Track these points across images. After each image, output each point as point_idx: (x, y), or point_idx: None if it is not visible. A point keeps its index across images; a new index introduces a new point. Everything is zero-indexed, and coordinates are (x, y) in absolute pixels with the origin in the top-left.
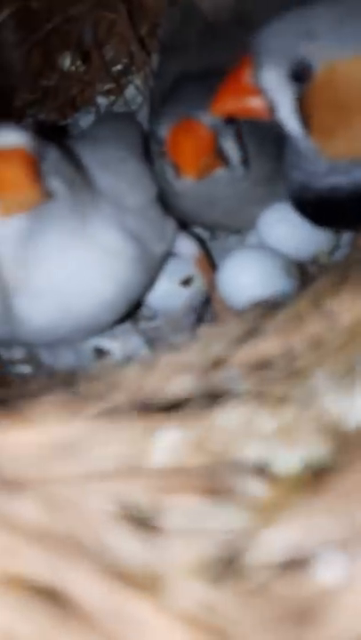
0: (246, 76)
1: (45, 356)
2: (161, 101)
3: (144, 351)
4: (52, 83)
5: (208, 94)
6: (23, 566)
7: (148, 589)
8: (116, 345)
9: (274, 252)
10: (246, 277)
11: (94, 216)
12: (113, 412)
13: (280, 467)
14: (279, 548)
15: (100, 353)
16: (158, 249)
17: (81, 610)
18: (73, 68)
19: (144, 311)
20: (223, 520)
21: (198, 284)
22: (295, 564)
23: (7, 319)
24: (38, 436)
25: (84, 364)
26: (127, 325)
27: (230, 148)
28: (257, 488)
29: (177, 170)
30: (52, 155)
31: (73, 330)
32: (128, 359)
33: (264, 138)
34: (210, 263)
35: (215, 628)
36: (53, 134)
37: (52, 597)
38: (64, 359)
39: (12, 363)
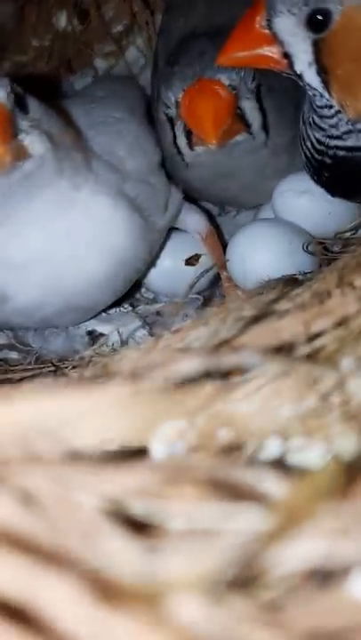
0: (259, 23)
1: (33, 341)
2: (167, 62)
3: (143, 336)
4: (45, 43)
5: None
6: None
7: (144, 607)
8: (111, 329)
9: (290, 227)
10: (260, 254)
11: (88, 181)
12: (106, 394)
13: (303, 461)
14: (304, 557)
15: (94, 338)
16: (161, 220)
17: (58, 633)
18: (69, 27)
19: (144, 293)
20: (236, 523)
21: (206, 264)
22: (324, 577)
23: None
24: (15, 416)
25: (76, 350)
26: (125, 308)
27: (251, 110)
28: (276, 485)
29: (191, 137)
30: (36, 110)
31: (62, 310)
32: (125, 344)
33: (283, 103)
34: (219, 240)
35: None
36: (45, 91)
37: (20, 616)
38: (54, 344)
39: None
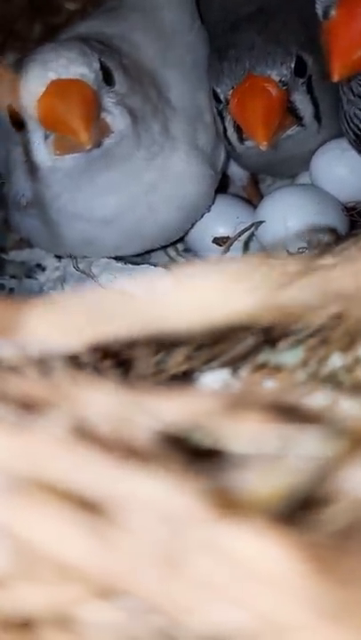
0: None
1: None
2: (215, 50)
3: None
4: (78, 6)
5: (271, 42)
6: (61, 474)
7: (219, 511)
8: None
9: (323, 191)
10: (292, 216)
11: (164, 149)
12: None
13: None
14: None
15: None
16: (220, 160)
17: (134, 528)
18: None
19: (181, 251)
20: (302, 447)
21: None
22: None
23: (79, 241)
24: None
25: None
26: (159, 270)
27: (302, 102)
28: (342, 411)
29: (242, 132)
30: (122, 83)
31: (140, 248)
32: None
33: (333, 87)
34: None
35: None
36: None
37: (97, 512)
38: None
39: None
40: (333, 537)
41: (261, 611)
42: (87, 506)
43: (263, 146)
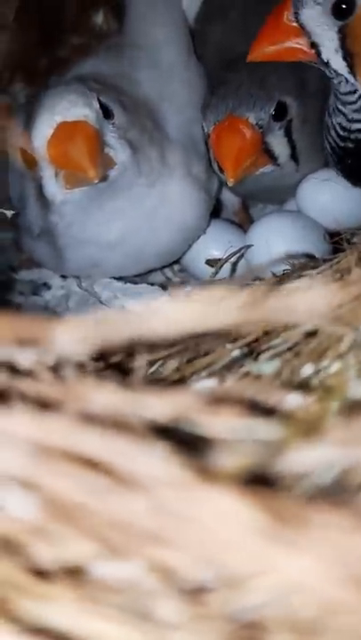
0: (286, 17)
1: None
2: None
3: None
4: (83, 40)
5: (256, 86)
6: (72, 443)
7: (197, 478)
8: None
9: (308, 218)
10: (278, 241)
11: (162, 175)
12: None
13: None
14: (320, 460)
15: None
16: (214, 187)
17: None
18: (105, 26)
19: (178, 271)
20: (261, 434)
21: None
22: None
23: (87, 264)
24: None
25: None
26: (156, 289)
27: (278, 144)
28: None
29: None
30: (120, 116)
31: (142, 269)
32: None
33: (316, 130)
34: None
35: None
36: None
37: (97, 467)
38: None
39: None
40: (283, 495)
41: (227, 543)
42: (94, 468)
43: (230, 182)
